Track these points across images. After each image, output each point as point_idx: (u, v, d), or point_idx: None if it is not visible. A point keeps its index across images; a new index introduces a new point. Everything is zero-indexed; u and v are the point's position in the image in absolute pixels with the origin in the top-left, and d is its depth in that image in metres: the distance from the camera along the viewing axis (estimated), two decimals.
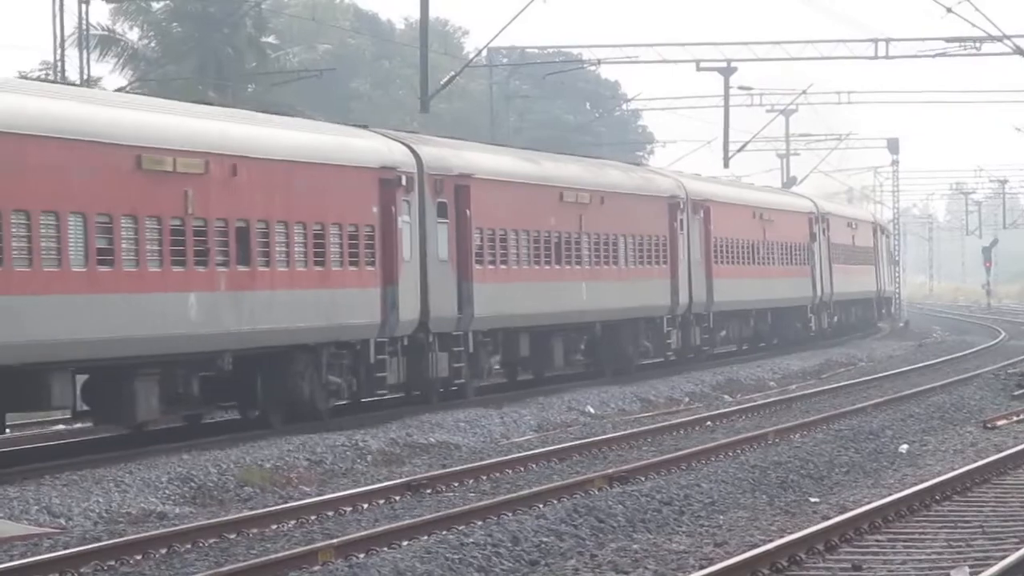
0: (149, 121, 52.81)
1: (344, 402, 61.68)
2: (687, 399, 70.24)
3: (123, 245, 49.58)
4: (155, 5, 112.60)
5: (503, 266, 71.35)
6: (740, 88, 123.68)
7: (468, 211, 67.95)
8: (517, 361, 76.73)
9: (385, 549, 32.47)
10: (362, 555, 31.80)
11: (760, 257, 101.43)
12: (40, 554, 32.43)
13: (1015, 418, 57.16)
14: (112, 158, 49.50)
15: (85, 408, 51.42)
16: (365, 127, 69.49)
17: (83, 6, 74.63)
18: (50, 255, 47.07)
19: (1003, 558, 28.52)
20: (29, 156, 47.11)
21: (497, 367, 73.90)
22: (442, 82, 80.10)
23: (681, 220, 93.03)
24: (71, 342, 48.44)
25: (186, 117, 55.63)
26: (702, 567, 29.21)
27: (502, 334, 72.27)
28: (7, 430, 50.69)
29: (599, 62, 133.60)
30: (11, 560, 31.61)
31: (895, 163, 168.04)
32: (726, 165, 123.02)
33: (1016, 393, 66.95)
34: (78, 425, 55.66)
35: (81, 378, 50.23)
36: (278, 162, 57.39)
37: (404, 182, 63.96)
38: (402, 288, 62.74)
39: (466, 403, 65.34)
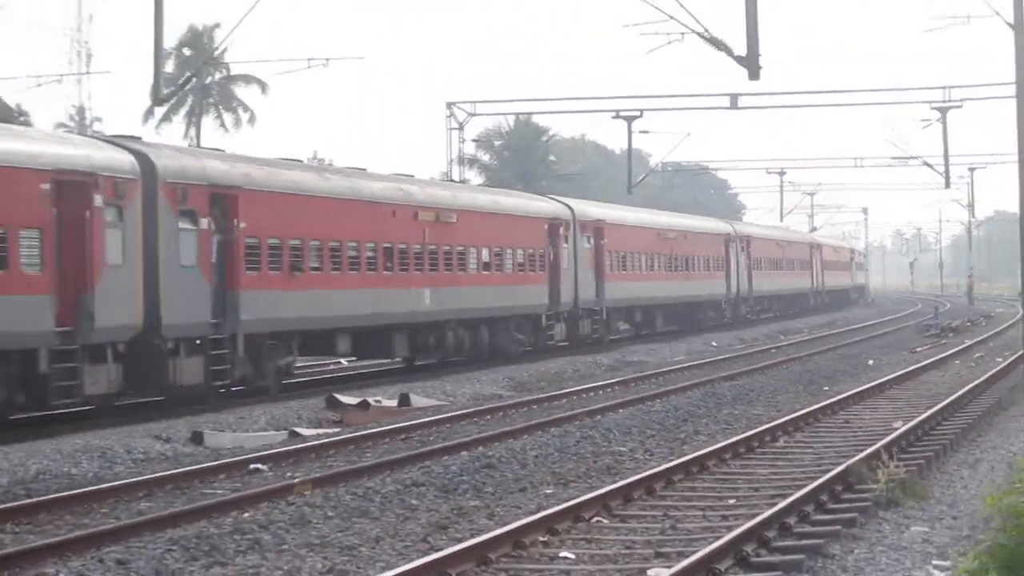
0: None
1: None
2: (761, 339, 69.18)
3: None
4: (496, 143, 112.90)
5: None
6: (791, 183, 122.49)
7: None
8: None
9: (611, 413, 32.46)
10: (599, 416, 31.83)
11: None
12: (441, 414, 32.67)
13: (926, 347, 56.61)
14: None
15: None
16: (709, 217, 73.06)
17: (460, 145, 74.64)
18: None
19: (921, 415, 28.30)
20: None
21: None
22: (637, 180, 79.45)
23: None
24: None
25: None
26: (769, 420, 29.12)
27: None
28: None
29: (717, 170, 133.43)
30: (425, 417, 31.80)
31: (866, 219, 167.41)
32: (781, 219, 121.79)
33: (926, 334, 66.09)
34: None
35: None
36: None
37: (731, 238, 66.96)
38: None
39: (652, 339, 63.18)
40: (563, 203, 57.80)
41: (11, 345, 28.42)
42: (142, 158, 32.35)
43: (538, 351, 52.61)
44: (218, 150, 38.44)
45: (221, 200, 34.65)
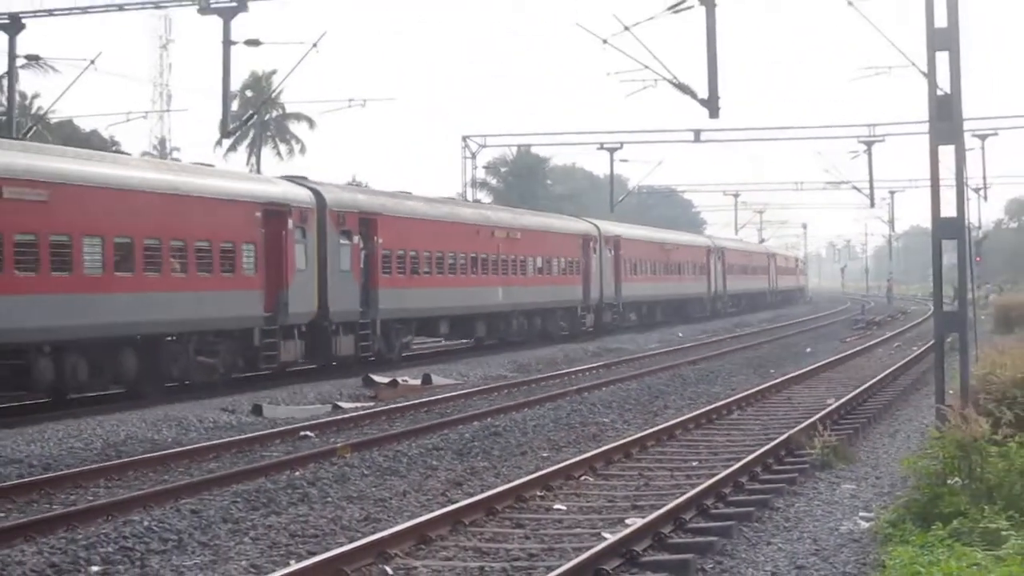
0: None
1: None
2: (720, 331, 68.81)
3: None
4: (502, 169, 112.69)
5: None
6: (744, 203, 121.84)
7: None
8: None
9: (596, 391, 32.43)
10: (586, 393, 31.80)
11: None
12: (455, 391, 32.66)
13: (854, 338, 56.52)
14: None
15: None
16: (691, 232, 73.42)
17: (473, 171, 74.41)
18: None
19: (850, 393, 28.28)
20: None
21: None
22: (618, 200, 79.20)
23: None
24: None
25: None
26: (726, 397, 29.10)
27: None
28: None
29: (684, 191, 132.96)
30: (443, 394, 31.80)
31: (805, 233, 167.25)
32: (736, 232, 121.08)
33: (854, 327, 66.01)
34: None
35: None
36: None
37: (711, 250, 70.78)
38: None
39: (626, 330, 62.28)
40: (592, 223, 61.68)
41: (237, 326, 33.28)
42: (316, 192, 37.26)
43: (573, 335, 55.97)
44: (358, 184, 44.88)
45: (366, 222, 39.35)
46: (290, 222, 35.17)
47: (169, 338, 31.16)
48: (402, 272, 41.33)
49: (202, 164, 37.12)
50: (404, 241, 41.63)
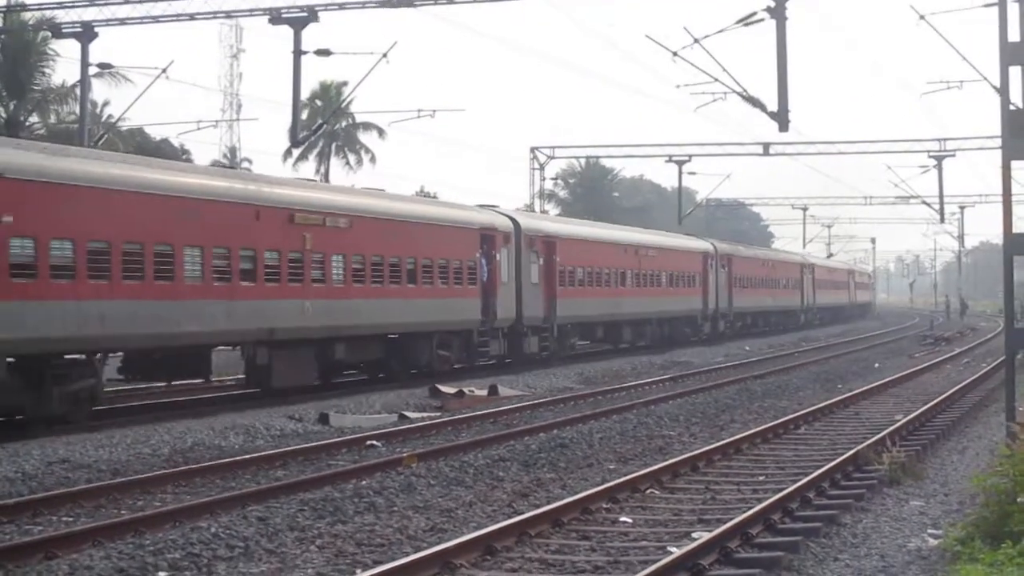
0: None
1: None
2: (785, 345, 68.62)
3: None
4: (571, 180, 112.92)
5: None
6: (812, 217, 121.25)
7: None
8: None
9: (663, 404, 32.33)
10: (653, 406, 31.71)
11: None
12: (523, 402, 32.66)
13: (922, 354, 56.09)
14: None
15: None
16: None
17: (541, 183, 74.48)
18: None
19: (918, 409, 28.07)
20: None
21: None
22: (686, 213, 79.00)
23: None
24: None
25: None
26: (793, 412, 28.94)
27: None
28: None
29: (752, 206, 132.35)
30: (509, 405, 31.79)
31: (874, 248, 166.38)
32: (804, 247, 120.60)
33: (923, 343, 65.51)
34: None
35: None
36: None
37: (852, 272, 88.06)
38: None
39: (694, 344, 62.80)
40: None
41: (689, 315, 64.40)
42: (713, 244, 67.86)
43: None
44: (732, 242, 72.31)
45: (728, 259, 70.24)
46: (710, 261, 66.16)
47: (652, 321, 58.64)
48: (739, 287, 70.73)
49: (663, 232, 63.21)
50: (743, 269, 72.08)
